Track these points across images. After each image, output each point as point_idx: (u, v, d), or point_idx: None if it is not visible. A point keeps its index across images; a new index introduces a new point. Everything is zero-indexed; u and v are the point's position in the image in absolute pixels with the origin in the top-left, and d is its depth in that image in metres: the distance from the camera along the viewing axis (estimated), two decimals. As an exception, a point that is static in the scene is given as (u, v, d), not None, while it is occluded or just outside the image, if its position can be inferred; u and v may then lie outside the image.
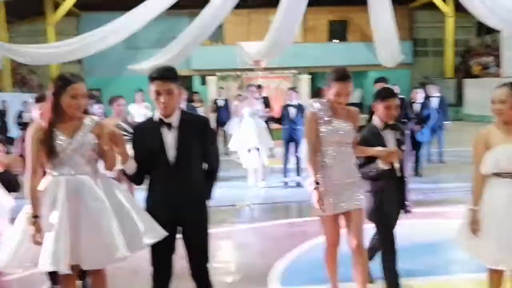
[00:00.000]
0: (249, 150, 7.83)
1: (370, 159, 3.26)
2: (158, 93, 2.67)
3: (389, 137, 3.37)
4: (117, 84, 18.75)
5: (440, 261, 4.08)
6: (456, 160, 9.33)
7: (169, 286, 2.83)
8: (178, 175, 2.71)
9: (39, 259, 2.55)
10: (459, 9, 16.68)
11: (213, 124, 10.83)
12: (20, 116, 11.24)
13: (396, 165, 3.29)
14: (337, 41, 22.72)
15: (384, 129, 3.37)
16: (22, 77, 19.64)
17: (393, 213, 3.35)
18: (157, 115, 2.75)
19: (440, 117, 8.79)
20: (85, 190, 2.70)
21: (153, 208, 2.77)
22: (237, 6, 11.91)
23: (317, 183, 3.04)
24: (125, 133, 6.02)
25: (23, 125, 9.86)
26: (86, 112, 2.87)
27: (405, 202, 3.39)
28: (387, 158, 3.21)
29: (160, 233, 2.68)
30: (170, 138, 2.71)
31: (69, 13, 19.19)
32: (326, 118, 3.12)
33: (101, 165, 2.91)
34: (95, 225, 2.63)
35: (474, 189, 2.98)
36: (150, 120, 2.84)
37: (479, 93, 17.09)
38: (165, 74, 2.69)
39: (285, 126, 7.75)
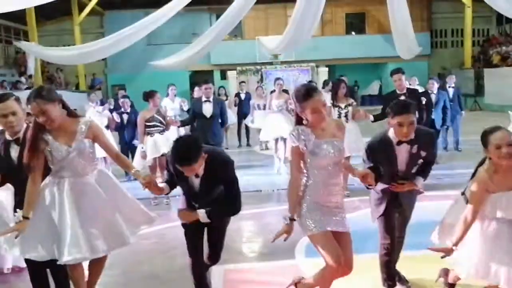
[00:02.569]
0: (276, 140, 8.26)
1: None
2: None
3: (403, 150, 3.12)
4: (140, 80, 19.35)
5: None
6: (472, 149, 9.55)
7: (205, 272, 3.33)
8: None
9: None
10: (477, -1, 16.74)
11: (235, 117, 11.24)
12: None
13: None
14: (355, 33, 22.92)
15: (398, 144, 3.11)
16: (50, 74, 20.38)
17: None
18: None
19: (455, 106, 9.07)
20: (88, 189, 3.03)
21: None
22: (256, 1, 12.28)
23: (292, 219, 2.88)
24: (159, 124, 6.51)
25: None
26: (74, 115, 3.07)
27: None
28: (363, 179, 2.98)
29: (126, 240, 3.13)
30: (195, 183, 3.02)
31: (93, 12, 19.85)
32: (310, 147, 2.84)
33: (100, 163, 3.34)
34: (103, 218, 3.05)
35: (463, 229, 2.87)
36: None
37: (499, 83, 17.12)
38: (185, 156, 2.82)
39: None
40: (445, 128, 9.21)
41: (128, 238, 3.10)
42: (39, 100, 2.84)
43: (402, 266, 3.63)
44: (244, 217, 5.44)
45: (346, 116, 6.30)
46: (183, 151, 2.80)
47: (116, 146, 5.28)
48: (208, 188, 3.01)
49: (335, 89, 6.53)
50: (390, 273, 3.44)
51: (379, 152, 3.12)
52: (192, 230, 3.17)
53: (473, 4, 19.59)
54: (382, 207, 3.30)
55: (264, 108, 9.12)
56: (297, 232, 4.84)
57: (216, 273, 3.51)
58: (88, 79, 21.40)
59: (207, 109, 6.71)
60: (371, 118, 6.14)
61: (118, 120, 8.19)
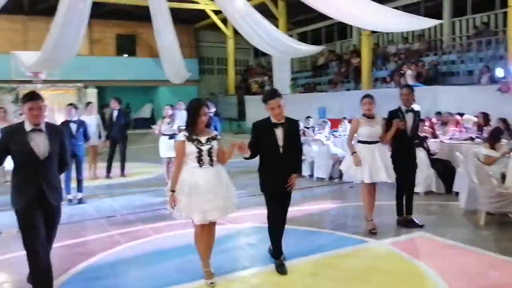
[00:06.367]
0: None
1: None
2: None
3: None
4: None
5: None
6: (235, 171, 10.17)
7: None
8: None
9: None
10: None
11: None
12: None
13: None
14: (126, 55, 22.52)
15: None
16: None
17: None
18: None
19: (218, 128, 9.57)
20: None
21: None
22: (13, 12, 10.76)
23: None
24: None
25: None
26: None
27: None
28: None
29: None
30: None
31: None
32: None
33: None
34: None
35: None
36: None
37: (257, 109, 18.97)
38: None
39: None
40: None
41: None
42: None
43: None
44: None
45: (209, 155, 4.12)
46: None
47: None
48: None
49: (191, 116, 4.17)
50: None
51: None
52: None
53: (234, 36, 21.44)
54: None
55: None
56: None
57: None
58: None
59: None
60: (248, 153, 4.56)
61: None
